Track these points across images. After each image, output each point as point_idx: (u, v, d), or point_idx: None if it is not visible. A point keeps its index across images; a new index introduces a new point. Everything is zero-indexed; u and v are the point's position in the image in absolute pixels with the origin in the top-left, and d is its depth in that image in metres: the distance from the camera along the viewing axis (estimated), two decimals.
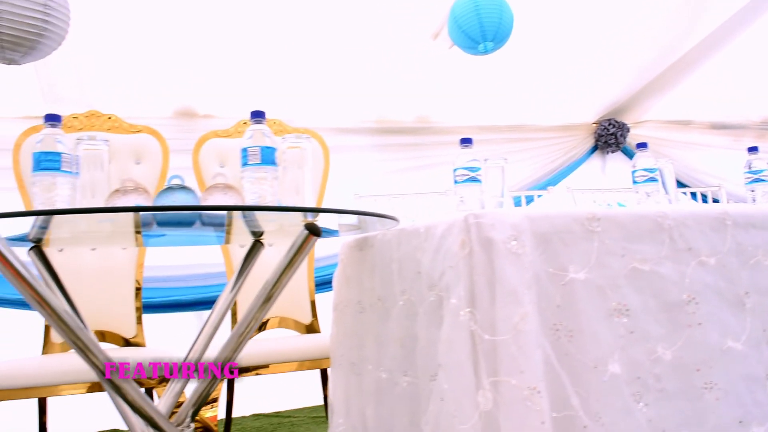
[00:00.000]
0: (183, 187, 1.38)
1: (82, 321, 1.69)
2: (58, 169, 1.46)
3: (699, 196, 3.46)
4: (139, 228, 1.47)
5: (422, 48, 3.64)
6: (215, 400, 2.20)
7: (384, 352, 1.65)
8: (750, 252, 1.55)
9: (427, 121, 4.18)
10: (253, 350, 2.08)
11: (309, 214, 1.43)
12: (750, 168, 2.25)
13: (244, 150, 1.52)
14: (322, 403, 2.49)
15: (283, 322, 2.53)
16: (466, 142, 1.83)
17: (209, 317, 1.78)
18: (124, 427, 3.10)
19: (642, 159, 2.05)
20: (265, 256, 1.89)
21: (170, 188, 1.37)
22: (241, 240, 2.27)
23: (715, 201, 3.49)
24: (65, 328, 1.33)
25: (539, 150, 4.38)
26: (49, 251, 1.77)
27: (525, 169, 4.30)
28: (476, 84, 3.97)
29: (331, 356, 1.97)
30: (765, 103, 4.76)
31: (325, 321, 2.52)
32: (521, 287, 1.28)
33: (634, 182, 2.06)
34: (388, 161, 4.06)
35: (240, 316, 2.42)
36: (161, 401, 1.66)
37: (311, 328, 2.52)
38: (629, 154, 4.62)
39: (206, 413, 2.21)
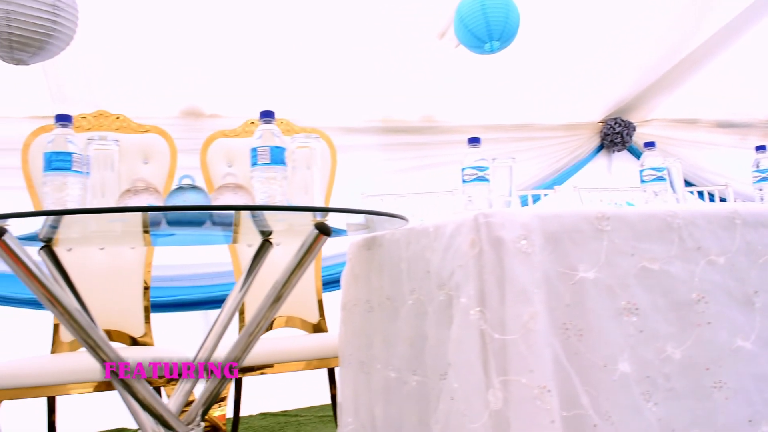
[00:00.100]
0: (194, 187, 1.39)
1: (92, 320, 1.70)
2: (69, 169, 1.47)
3: (706, 195, 3.45)
4: (148, 227, 1.48)
5: (428, 47, 3.64)
6: (223, 399, 2.21)
7: (393, 351, 1.66)
8: (759, 251, 1.55)
9: (433, 121, 4.18)
10: (261, 350, 2.09)
11: (318, 213, 1.44)
12: (758, 167, 2.24)
13: (254, 150, 1.53)
14: (328, 402, 2.49)
15: (290, 322, 2.53)
16: (474, 141, 1.83)
17: (218, 317, 1.79)
18: (131, 426, 3.13)
19: (650, 158, 2.05)
20: (272, 256, 1.90)
21: (181, 188, 1.38)
22: (249, 239, 2.28)
23: (722, 200, 3.48)
24: (77, 328, 1.34)
25: (545, 149, 4.38)
26: (58, 250, 1.78)
27: (531, 168, 4.30)
28: (482, 83, 3.97)
29: (339, 355, 1.98)
30: None
31: (331, 320, 2.53)
32: (531, 286, 1.28)
33: (642, 181, 2.05)
34: (394, 160, 4.06)
35: (247, 316, 2.43)
36: (171, 400, 1.67)
37: (318, 328, 2.52)
38: (635, 153, 4.62)
39: (214, 412, 2.21)
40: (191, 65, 3.38)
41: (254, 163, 1.53)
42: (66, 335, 2.25)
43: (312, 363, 2.20)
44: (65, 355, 2.17)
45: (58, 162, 1.47)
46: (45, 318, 2.59)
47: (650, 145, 2.11)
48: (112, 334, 2.30)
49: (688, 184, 4.22)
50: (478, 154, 1.81)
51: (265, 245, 1.83)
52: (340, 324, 2.00)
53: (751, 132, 4.85)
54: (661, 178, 2.03)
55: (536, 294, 1.28)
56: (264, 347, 2.11)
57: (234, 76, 3.52)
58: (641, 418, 1.35)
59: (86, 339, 1.36)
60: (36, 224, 1.39)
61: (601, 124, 4.62)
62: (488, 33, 3.04)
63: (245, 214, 1.39)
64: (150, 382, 1.94)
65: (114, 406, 2.72)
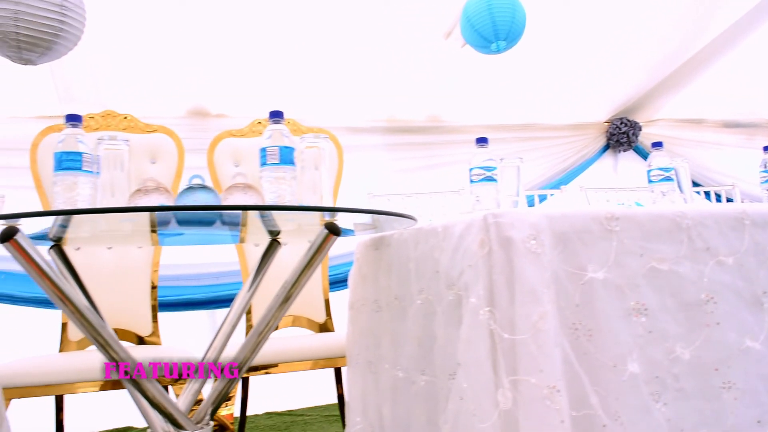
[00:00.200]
0: (204, 187, 1.39)
1: (102, 319, 1.71)
2: (79, 168, 1.48)
3: (713, 195, 3.44)
4: (155, 227, 1.48)
5: (434, 47, 3.64)
6: (230, 398, 2.22)
7: (401, 350, 1.66)
8: None
9: (439, 120, 4.18)
10: (268, 349, 2.09)
11: (328, 213, 1.44)
12: (765, 167, 2.24)
13: (263, 150, 1.53)
14: (334, 401, 2.50)
15: (297, 321, 2.54)
16: (481, 141, 1.83)
17: (227, 316, 1.79)
18: (137, 425, 3.14)
19: (658, 158, 2.05)
20: (278, 255, 1.90)
21: (191, 188, 1.38)
22: (256, 239, 2.28)
23: (729, 200, 3.47)
24: (88, 326, 1.34)
25: (551, 149, 4.38)
26: (66, 249, 1.79)
27: (537, 168, 4.30)
28: (488, 83, 3.97)
29: (347, 355, 1.98)
30: None
31: (338, 319, 2.53)
32: (540, 286, 1.28)
33: (650, 181, 2.05)
34: (400, 160, 4.06)
35: (253, 316, 2.43)
36: (180, 399, 1.67)
37: (325, 327, 2.53)
38: (641, 153, 4.61)
39: (222, 411, 2.22)
40: (197, 65, 3.39)
41: (263, 163, 1.54)
42: (74, 334, 2.26)
43: (319, 362, 2.21)
44: (73, 353, 2.18)
45: (69, 162, 1.47)
46: (53, 317, 2.60)
47: (658, 145, 2.11)
48: (118, 333, 2.30)
49: (694, 184, 4.21)
50: (486, 154, 1.81)
51: (274, 245, 1.83)
52: (348, 323, 2.00)
53: (757, 132, 4.84)
54: (668, 179, 2.03)
55: (545, 294, 1.28)
56: (271, 347, 2.11)
57: (240, 76, 3.52)
58: (650, 418, 1.35)
59: (97, 337, 1.37)
60: (44, 223, 1.40)
61: (606, 124, 4.61)
62: (495, 33, 3.04)
63: (254, 214, 1.39)
64: (158, 381, 1.95)
65: (120, 404, 2.74)
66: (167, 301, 3.23)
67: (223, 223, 1.42)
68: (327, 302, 2.56)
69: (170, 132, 2.47)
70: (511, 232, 1.30)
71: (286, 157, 1.53)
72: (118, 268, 2.35)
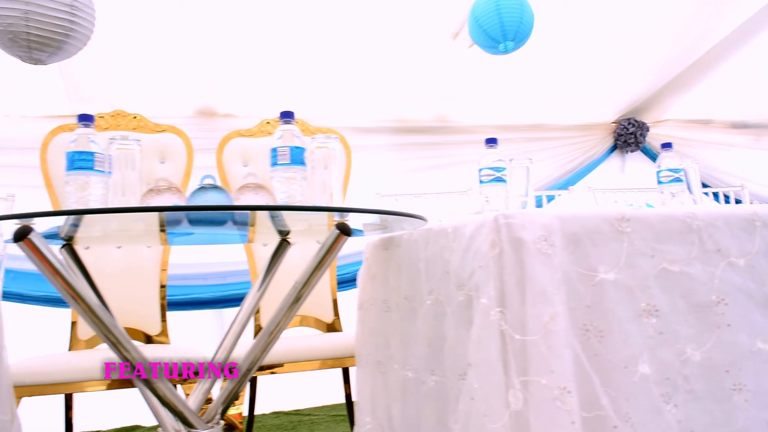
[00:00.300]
0: (215, 187, 1.40)
1: (113, 317, 1.71)
2: (91, 168, 1.48)
3: (721, 197, 3.43)
4: (164, 226, 1.49)
5: (441, 47, 3.64)
6: (238, 397, 2.22)
7: (410, 351, 1.66)
8: None
9: (446, 121, 4.18)
10: (277, 349, 2.10)
11: (337, 213, 1.44)
12: None
13: (274, 150, 1.54)
14: (341, 401, 2.50)
15: (304, 321, 2.54)
16: (491, 142, 1.84)
17: (236, 316, 1.79)
18: (145, 424, 3.15)
19: (667, 159, 2.05)
20: (287, 255, 1.90)
21: (203, 188, 1.39)
22: (264, 238, 2.29)
23: (738, 201, 3.46)
24: (100, 325, 1.35)
25: (558, 149, 4.37)
26: (76, 248, 1.80)
27: (544, 169, 4.29)
28: (495, 83, 3.97)
29: (356, 355, 1.98)
30: None
31: (345, 319, 2.54)
32: (551, 287, 1.28)
33: (659, 182, 2.05)
34: (407, 160, 4.07)
35: (261, 315, 2.44)
36: (191, 398, 1.68)
37: (332, 327, 2.53)
38: (649, 154, 4.60)
39: (230, 410, 2.23)
40: (205, 65, 3.40)
41: (274, 163, 1.54)
42: (83, 333, 2.27)
43: (327, 362, 2.21)
44: (83, 352, 2.19)
45: (81, 162, 1.48)
46: (62, 315, 2.61)
47: (667, 146, 2.11)
48: (126, 332, 2.31)
49: (703, 185, 4.20)
50: (496, 155, 1.81)
51: (283, 245, 1.84)
52: (357, 324, 2.01)
53: (765, 133, 4.81)
54: (678, 179, 2.03)
55: (557, 295, 1.28)
56: (279, 347, 2.12)
57: (247, 76, 3.53)
58: (661, 419, 1.34)
59: (108, 336, 1.37)
60: (53, 222, 1.41)
61: (614, 124, 4.61)
62: (503, 33, 3.04)
63: (265, 214, 1.39)
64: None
65: (128, 403, 2.75)
66: (175, 300, 3.24)
67: (235, 223, 1.42)
68: (335, 302, 2.56)
69: (179, 132, 2.48)
70: (522, 233, 1.30)
71: (297, 157, 1.53)
72: (127, 267, 2.36)
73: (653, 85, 4.34)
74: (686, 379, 1.39)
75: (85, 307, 1.33)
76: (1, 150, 3.25)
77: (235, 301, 3.37)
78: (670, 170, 2.04)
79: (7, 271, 2.61)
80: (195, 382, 1.97)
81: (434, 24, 3.51)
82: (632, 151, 4.61)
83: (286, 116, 1.59)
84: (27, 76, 3.03)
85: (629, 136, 4.48)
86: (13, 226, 1.30)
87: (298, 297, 1.47)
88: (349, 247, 2.92)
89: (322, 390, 3.29)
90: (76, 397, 2.32)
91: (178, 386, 2.00)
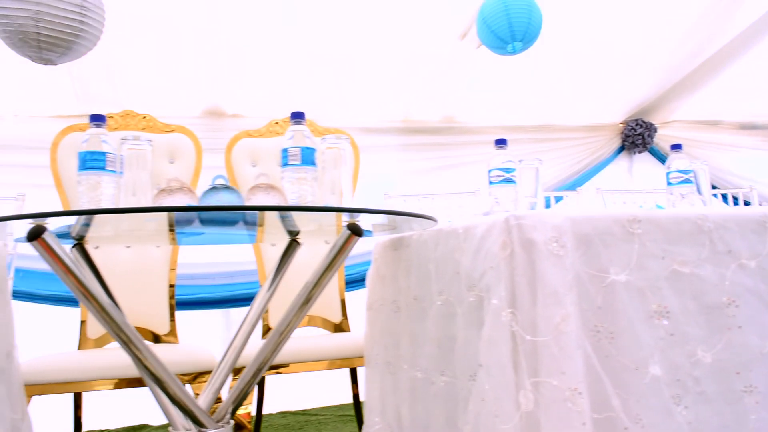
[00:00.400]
0: (227, 187, 1.40)
1: (124, 316, 1.72)
2: (103, 168, 1.49)
3: (730, 198, 3.42)
4: (173, 226, 1.50)
5: (449, 48, 3.64)
6: (247, 397, 2.23)
7: (419, 351, 1.66)
8: None
9: (454, 121, 4.17)
10: (286, 349, 2.10)
11: (348, 214, 1.45)
12: None
13: (285, 150, 1.54)
14: (348, 401, 2.51)
15: (312, 321, 2.55)
16: (501, 143, 1.84)
17: (246, 316, 1.80)
18: (152, 423, 3.16)
19: (677, 160, 2.04)
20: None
21: (215, 188, 1.39)
22: (273, 239, 2.30)
23: (746, 203, 3.45)
24: (113, 324, 1.35)
25: (566, 150, 4.36)
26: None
27: (551, 170, 4.29)
28: (503, 84, 3.97)
29: (365, 355, 1.99)
30: None
31: (353, 319, 2.54)
32: (562, 288, 1.28)
33: (669, 183, 2.05)
34: (415, 161, 4.07)
35: (269, 315, 2.44)
36: (201, 398, 1.68)
37: (340, 327, 2.53)
38: (656, 155, 4.59)
39: (238, 410, 2.23)
40: (213, 65, 3.41)
41: (285, 164, 1.54)
42: (92, 332, 2.28)
43: (335, 362, 2.21)
44: (92, 351, 2.20)
45: (93, 161, 1.49)
46: (70, 314, 2.62)
47: (677, 147, 2.10)
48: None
49: (711, 186, 4.18)
50: (506, 156, 1.81)
51: (293, 245, 1.84)
52: (366, 324, 2.01)
53: None
54: (688, 181, 2.03)
55: (568, 296, 1.28)
56: (287, 347, 2.12)
57: (255, 77, 3.54)
58: (671, 421, 1.34)
59: (120, 334, 1.38)
60: (63, 221, 1.41)
61: (622, 125, 4.59)
62: (511, 34, 3.04)
63: (276, 214, 1.40)
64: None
65: (136, 402, 2.76)
66: (183, 300, 3.25)
67: (246, 223, 1.43)
68: (343, 302, 2.57)
69: (188, 132, 2.48)
70: (533, 234, 1.30)
71: (308, 157, 1.54)
72: (136, 266, 2.37)
73: (661, 86, 4.33)
74: (697, 380, 1.39)
75: (97, 306, 1.34)
76: (10, 149, 3.27)
77: (242, 300, 3.38)
78: (680, 171, 2.03)
79: (17, 270, 2.62)
80: (204, 382, 1.98)
81: (442, 24, 3.51)
82: (640, 152, 4.60)
83: (297, 117, 1.59)
84: (35, 76, 3.04)
85: (637, 137, 4.47)
86: (23, 224, 1.31)
87: (308, 298, 1.48)
88: (357, 247, 2.94)
89: (329, 390, 3.29)
90: (85, 396, 2.33)
91: (187, 385, 2.01)
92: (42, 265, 2.75)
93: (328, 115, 3.40)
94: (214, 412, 1.59)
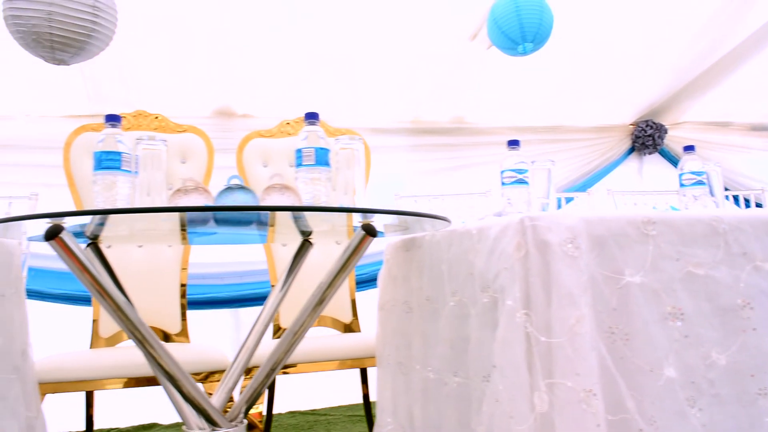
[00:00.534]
0: (242, 187, 1.41)
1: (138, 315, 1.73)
2: (118, 168, 1.50)
3: (742, 200, 3.41)
4: (185, 226, 1.50)
5: (459, 48, 3.64)
6: (260, 396, 2.23)
7: (432, 352, 1.66)
8: None
9: (464, 122, 4.17)
10: (297, 349, 2.10)
11: (361, 214, 1.45)
12: None
13: (299, 151, 1.55)
14: (357, 401, 2.51)
15: (322, 321, 2.55)
16: (513, 144, 1.84)
17: (259, 316, 1.80)
18: (162, 422, 3.17)
19: (690, 162, 2.04)
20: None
21: (230, 188, 1.40)
22: (284, 239, 2.30)
23: (758, 205, 3.43)
24: (128, 323, 1.36)
25: (576, 151, 4.35)
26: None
27: (561, 171, 4.28)
28: (513, 85, 3.96)
29: (377, 355, 1.99)
30: None
31: (363, 320, 2.54)
32: (577, 290, 1.28)
33: (681, 185, 2.04)
34: (424, 161, 4.07)
35: (279, 315, 2.45)
36: (214, 397, 1.69)
37: (350, 327, 2.54)
38: (667, 156, 4.57)
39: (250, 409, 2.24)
40: (223, 65, 3.42)
41: (299, 164, 1.55)
42: (105, 330, 2.29)
43: (346, 363, 2.22)
44: (104, 350, 2.21)
45: (108, 161, 1.50)
46: (82, 313, 2.63)
47: (690, 149, 2.10)
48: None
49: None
50: (518, 157, 1.81)
51: (306, 245, 1.85)
52: (378, 324, 2.01)
53: None
54: (700, 182, 2.02)
55: (582, 297, 1.28)
56: (299, 347, 2.12)
57: (265, 77, 3.54)
58: (686, 423, 1.34)
59: (135, 333, 1.39)
60: (75, 221, 1.42)
61: (632, 126, 4.58)
62: (522, 35, 3.04)
63: (289, 215, 1.40)
64: None
65: (146, 401, 2.77)
66: (193, 300, 3.26)
67: (260, 223, 1.43)
68: (353, 302, 2.57)
69: (200, 132, 2.49)
70: (548, 235, 1.30)
71: (322, 158, 1.54)
72: (148, 266, 2.38)
73: (671, 87, 4.31)
74: (711, 383, 1.38)
75: (113, 305, 1.34)
76: (22, 149, 3.29)
77: (253, 300, 3.39)
78: (693, 173, 2.03)
79: (30, 269, 2.63)
80: (216, 381, 1.99)
81: (452, 25, 3.51)
82: (650, 154, 4.58)
83: (311, 117, 1.60)
84: (47, 76, 3.06)
85: (647, 138, 4.45)
86: (36, 223, 1.31)
87: (322, 298, 1.48)
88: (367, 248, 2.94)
89: (338, 390, 3.30)
90: (96, 394, 2.34)
91: (200, 385, 2.02)
92: (54, 263, 2.76)
93: (338, 115, 3.40)
94: (227, 411, 1.60)
